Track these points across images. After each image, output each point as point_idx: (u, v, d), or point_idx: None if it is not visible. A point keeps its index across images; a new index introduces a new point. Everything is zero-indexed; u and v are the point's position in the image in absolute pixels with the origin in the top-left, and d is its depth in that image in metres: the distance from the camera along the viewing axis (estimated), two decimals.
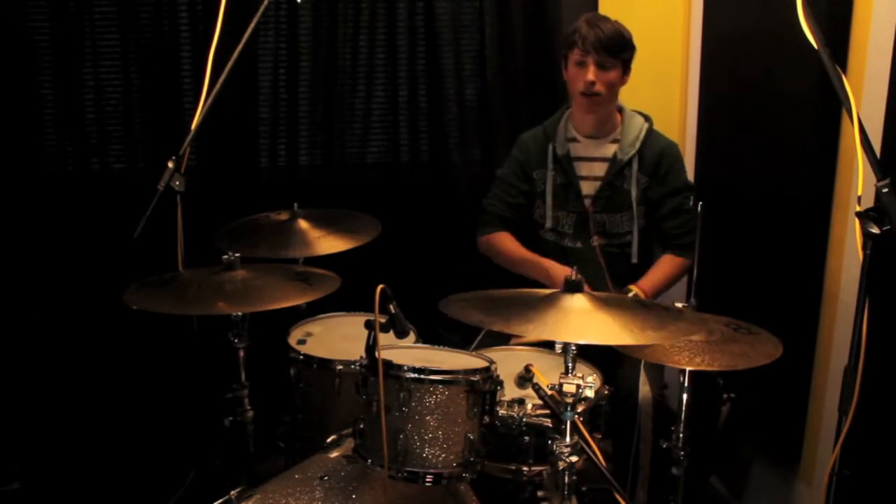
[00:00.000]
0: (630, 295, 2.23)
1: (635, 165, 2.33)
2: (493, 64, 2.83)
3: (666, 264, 2.34)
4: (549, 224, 2.42)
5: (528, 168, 2.45)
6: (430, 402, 1.53)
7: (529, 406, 1.62)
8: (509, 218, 2.48)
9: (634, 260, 2.36)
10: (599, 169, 2.37)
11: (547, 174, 2.41)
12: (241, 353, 2.06)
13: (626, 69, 2.29)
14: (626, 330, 1.45)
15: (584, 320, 1.50)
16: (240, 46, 2.05)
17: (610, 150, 2.36)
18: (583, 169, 2.39)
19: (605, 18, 2.27)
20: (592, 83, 2.24)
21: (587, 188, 2.38)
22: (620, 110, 2.40)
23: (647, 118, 2.40)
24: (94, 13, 2.68)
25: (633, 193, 2.33)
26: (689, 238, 2.32)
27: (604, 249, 2.38)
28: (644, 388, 2.11)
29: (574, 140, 2.41)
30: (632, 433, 2.09)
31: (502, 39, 2.82)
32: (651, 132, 2.37)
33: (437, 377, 1.53)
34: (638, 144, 2.33)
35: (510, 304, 1.59)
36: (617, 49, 2.23)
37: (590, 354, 1.89)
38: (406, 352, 1.72)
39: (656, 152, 2.33)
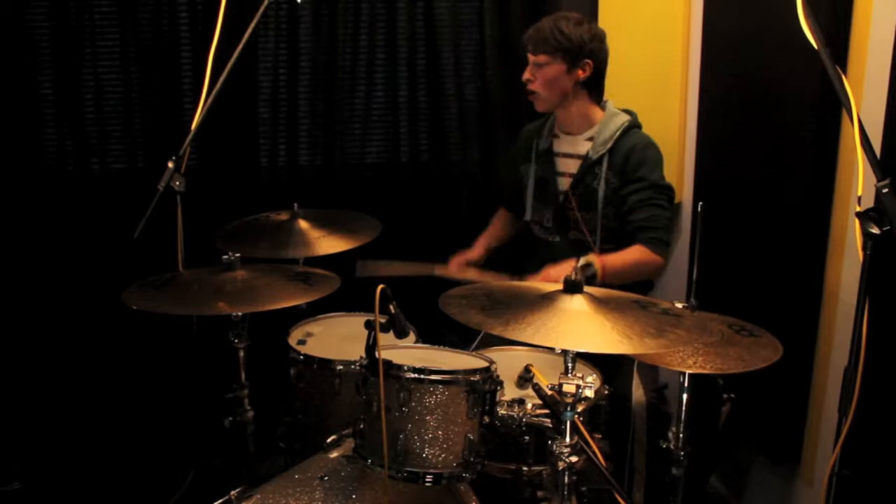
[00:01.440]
0: (581, 261, 2.11)
1: (605, 164, 2.30)
2: (493, 64, 2.84)
3: (633, 252, 2.23)
4: (528, 216, 2.45)
5: (517, 161, 2.51)
6: (430, 402, 1.53)
7: (529, 406, 1.62)
8: (508, 194, 2.60)
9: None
10: (573, 166, 2.37)
11: (531, 168, 2.43)
12: (241, 353, 2.06)
13: (573, 65, 2.24)
14: (623, 337, 1.44)
15: (581, 324, 1.48)
16: (240, 46, 2.05)
17: (584, 147, 2.35)
18: (560, 165, 2.41)
19: (557, 18, 2.25)
20: (528, 81, 2.29)
21: (563, 184, 2.39)
22: (604, 108, 2.38)
23: (631, 117, 2.36)
24: (94, 13, 2.69)
25: (600, 193, 2.30)
26: (657, 234, 2.24)
27: (582, 244, 2.37)
28: (637, 391, 2.11)
29: (556, 136, 2.43)
30: (626, 435, 2.09)
31: (502, 39, 2.82)
32: (628, 131, 2.31)
33: (437, 377, 1.53)
34: (610, 143, 2.30)
35: (509, 302, 1.59)
36: (547, 46, 2.22)
37: (583, 355, 1.89)
38: (406, 352, 1.72)
39: (626, 151, 2.28)
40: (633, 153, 2.28)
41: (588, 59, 2.26)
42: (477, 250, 2.52)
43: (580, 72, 2.27)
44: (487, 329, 1.46)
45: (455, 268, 2.42)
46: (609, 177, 2.30)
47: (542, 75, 2.26)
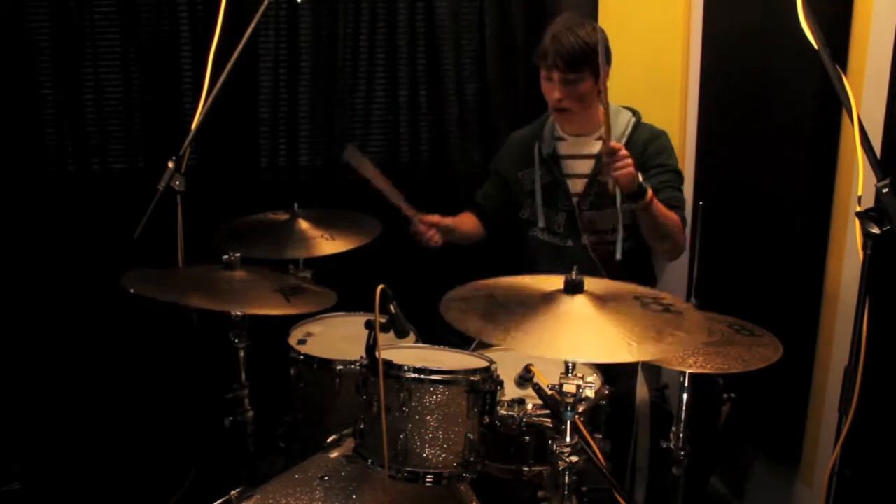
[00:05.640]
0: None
1: None
2: (493, 64, 2.83)
3: (670, 211, 2.24)
4: (541, 223, 2.42)
5: (509, 169, 2.48)
6: (430, 402, 1.53)
7: (529, 406, 1.62)
8: (482, 205, 2.58)
9: (619, 256, 2.33)
10: (586, 166, 2.37)
11: (535, 174, 2.41)
12: (241, 353, 2.06)
13: (598, 75, 2.21)
14: (623, 343, 1.42)
15: (582, 330, 1.47)
16: (240, 46, 2.05)
17: (596, 147, 2.35)
18: (569, 167, 2.39)
19: (572, 28, 2.20)
20: (560, 100, 2.24)
21: (575, 186, 2.38)
22: (606, 107, 2.38)
23: (634, 112, 2.38)
24: (94, 13, 2.68)
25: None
26: (680, 213, 2.27)
27: (595, 247, 2.37)
28: (641, 390, 2.11)
29: (561, 139, 2.41)
30: (629, 434, 2.09)
31: (502, 39, 2.82)
32: (638, 125, 2.35)
33: (437, 377, 1.53)
34: (624, 139, 2.31)
35: (509, 306, 1.58)
36: (579, 63, 2.18)
37: None
38: (406, 352, 1.72)
39: (642, 143, 2.31)
40: (651, 143, 2.32)
41: (609, 65, 2.27)
42: (449, 219, 2.43)
43: (603, 79, 2.27)
44: (487, 339, 1.46)
45: (429, 221, 2.34)
46: None
47: (575, 93, 2.23)
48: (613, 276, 2.30)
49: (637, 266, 2.39)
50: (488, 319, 1.51)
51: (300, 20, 2.77)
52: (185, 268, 2.05)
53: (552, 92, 2.25)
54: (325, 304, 1.97)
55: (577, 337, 1.46)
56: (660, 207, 2.16)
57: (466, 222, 2.55)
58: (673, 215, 2.21)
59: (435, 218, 2.35)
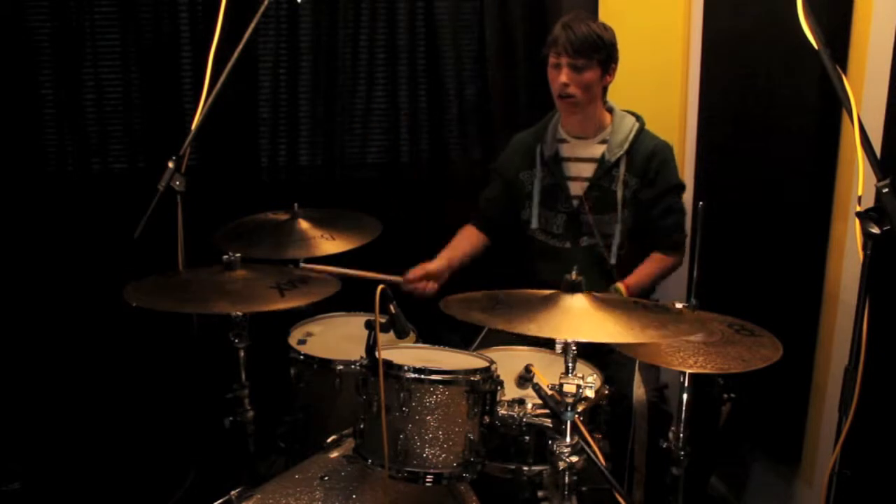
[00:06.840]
0: (613, 292, 2.25)
1: (623, 166, 2.32)
2: (493, 64, 2.83)
3: (653, 263, 2.34)
4: (534, 224, 2.42)
5: (510, 171, 2.47)
6: (430, 402, 1.53)
7: (529, 406, 1.62)
8: (485, 210, 2.55)
9: (613, 261, 2.34)
10: (587, 170, 2.36)
11: (535, 175, 2.41)
12: (242, 353, 2.06)
13: (605, 69, 2.26)
14: (627, 328, 1.45)
15: (585, 319, 1.50)
16: (240, 46, 2.05)
17: (598, 150, 2.35)
18: (571, 169, 2.39)
19: (584, 20, 2.25)
20: (566, 85, 2.24)
21: (575, 189, 2.38)
22: (611, 111, 2.39)
23: (638, 118, 2.38)
24: (94, 13, 2.69)
25: (619, 194, 2.32)
26: (679, 237, 2.35)
27: (593, 250, 2.37)
28: (638, 391, 2.11)
29: (563, 141, 2.41)
30: (626, 434, 2.09)
31: (502, 39, 2.82)
32: (641, 132, 2.35)
33: (437, 377, 1.53)
34: (626, 145, 2.32)
35: (510, 303, 1.59)
36: (589, 50, 2.21)
37: (584, 355, 1.89)
38: (406, 352, 1.72)
39: (646, 154, 2.32)
40: (654, 157, 2.32)
41: (615, 63, 2.29)
42: (438, 262, 2.39)
43: (608, 76, 2.29)
44: (491, 325, 1.47)
45: (415, 277, 2.30)
46: (627, 178, 2.32)
47: (581, 80, 2.23)
48: (607, 280, 2.32)
49: (623, 270, 2.38)
50: (491, 312, 1.53)
51: (300, 20, 2.77)
52: (183, 271, 2.04)
53: (558, 77, 2.25)
54: (325, 293, 1.94)
55: (580, 324, 1.49)
56: (639, 283, 2.28)
57: (465, 242, 2.50)
58: (652, 270, 2.32)
59: (418, 270, 2.32)
